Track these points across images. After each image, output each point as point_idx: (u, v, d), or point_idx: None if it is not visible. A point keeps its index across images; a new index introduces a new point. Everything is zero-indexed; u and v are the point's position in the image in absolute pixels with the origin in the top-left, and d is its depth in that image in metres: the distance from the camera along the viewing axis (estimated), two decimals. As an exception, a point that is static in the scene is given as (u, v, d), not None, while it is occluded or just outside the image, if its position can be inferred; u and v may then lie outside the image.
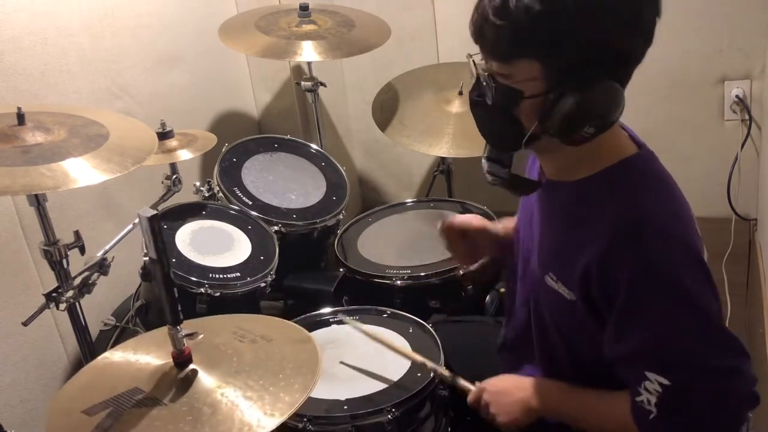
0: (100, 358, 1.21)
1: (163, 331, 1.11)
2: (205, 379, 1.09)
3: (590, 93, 1.05)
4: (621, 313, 1.11)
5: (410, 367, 1.53)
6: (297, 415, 1.40)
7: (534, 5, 1.01)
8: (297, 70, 2.64)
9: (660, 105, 2.40)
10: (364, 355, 1.57)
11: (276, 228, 2.03)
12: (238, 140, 2.21)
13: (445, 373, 1.45)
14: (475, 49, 1.14)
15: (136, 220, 1.68)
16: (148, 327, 1.84)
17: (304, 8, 2.26)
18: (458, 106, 2.29)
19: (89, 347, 1.58)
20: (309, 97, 2.38)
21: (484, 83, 1.13)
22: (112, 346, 1.36)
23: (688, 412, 1.09)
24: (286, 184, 2.20)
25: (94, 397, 1.08)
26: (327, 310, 1.77)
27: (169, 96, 2.28)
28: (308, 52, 2.13)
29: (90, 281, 1.53)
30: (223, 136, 2.10)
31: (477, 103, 1.17)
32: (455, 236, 1.54)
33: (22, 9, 1.76)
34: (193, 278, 1.76)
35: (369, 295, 1.91)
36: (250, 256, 1.92)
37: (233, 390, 1.07)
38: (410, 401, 1.44)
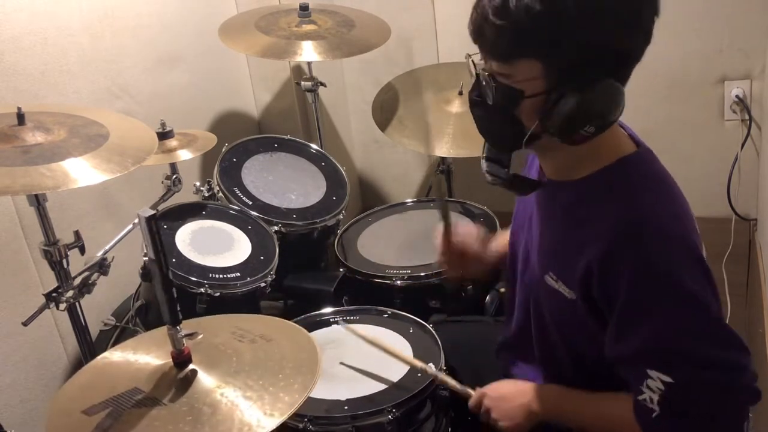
0: (99, 358, 1.21)
1: (163, 331, 1.11)
2: (205, 379, 1.09)
3: (591, 92, 1.05)
4: (622, 313, 1.11)
5: (411, 368, 1.53)
6: (297, 415, 1.40)
7: (534, 5, 1.01)
8: (297, 70, 2.63)
9: (660, 105, 2.40)
10: (365, 355, 1.57)
11: (276, 228, 2.02)
12: (238, 140, 2.21)
13: (445, 378, 1.44)
14: (475, 49, 1.14)
15: (136, 220, 1.68)
16: (148, 327, 1.84)
17: (304, 8, 2.26)
18: (458, 106, 2.29)
19: (89, 347, 1.58)
20: (309, 97, 2.38)
21: (484, 83, 1.13)
22: (112, 346, 1.36)
23: (691, 409, 1.10)
24: (286, 184, 2.20)
25: (94, 397, 1.08)
26: (327, 310, 1.77)
27: (169, 96, 2.28)
28: (308, 52, 2.13)
29: (90, 281, 1.53)
30: (223, 136, 2.10)
31: (477, 103, 1.17)
32: (452, 251, 1.53)
33: (22, 9, 1.76)
34: (193, 278, 1.76)
35: (369, 295, 1.91)
36: (250, 256, 1.92)
37: (233, 390, 1.07)
38: (411, 401, 1.44)
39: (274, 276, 1.91)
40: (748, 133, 2.34)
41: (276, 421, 1.01)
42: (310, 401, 1.42)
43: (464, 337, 1.71)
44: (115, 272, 1.59)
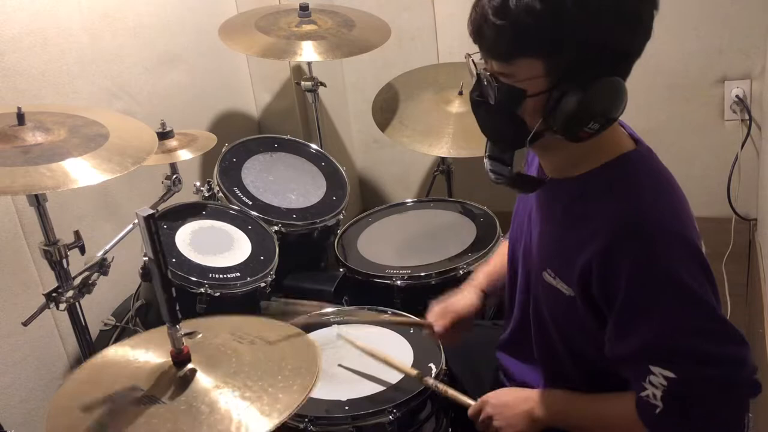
0: (98, 355, 1.21)
1: (163, 330, 1.11)
2: (204, 379, 1.09)
3: (594, 89, 1.06)
4: (622, 311, 1.11)
5: (411, 367, 1.53)
6: (298, 416, 1.40)
7: (534, 4, 1.01)
8: (297, 70, 2.63)
9: (660, 105, 2.41)
10: (365, 356, 1.57)
11: (276, 228, 2.02)
12: (238, 140, 2.21)
13: (445, 388, 1.43)
14: (474, 49, 1.14)
15: (136, 220, 1.68)
16: (148, 327, 1.84)
17: (304, 8, 2.26)
18: (458, 106, 2.29)
19: (89, 347, 1.58)
20: (309, 97, 2.38)
21: (486, 83, 1.13)
22: (112, 346, 1.36)
23: (694, 404, 1.10)
24: (286, 184, 2.20)
25: (93, 394, 1.08)
26: (327, 310, 1.77)
27: (169, 96, 2.28)
28: (308, 52, 2.13)
29: (90, 281, 1.53)
30: (223, 136, 2.10)
31: (479, 103, 1.16)
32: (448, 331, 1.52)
33: (22, 9, 1.76)
34: (193, 278, 1.76)
35: (369, 295, 1.92)
36: (250, 256, 1.92)
37: (232, 390, 1.07)
38: (411, 402, 1.44)
39: (274, 276, 1.91)
40: (748, 133, 2.34)
41: (274, 421, 1.01)
42: (311, 401, 1.42)
43: (463, 341, 1.70)
44: (115, 272, 1.59)
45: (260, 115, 2.76)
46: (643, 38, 1.08)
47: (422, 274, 1.91)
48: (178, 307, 1.08)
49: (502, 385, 1.49)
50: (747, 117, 2.32)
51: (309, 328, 1.67)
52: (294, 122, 2.68)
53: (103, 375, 1.15)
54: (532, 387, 1.40)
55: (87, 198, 1.96)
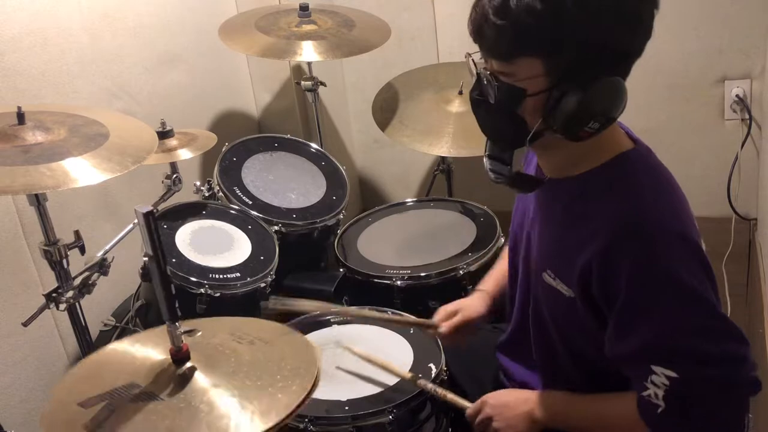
0: (97, 352, 1.21)
1: (162, 329, 1.11)
2: (203, 378, 1.09)
3: (594, 89, 1.06)
4: (622, 310, 1.11)
5: (411, 368, 1.53)
6: (298, 416, 1.39)
7: (535, 3, 1.02)
8: (297, 70, 2.63)
9: (660, 105, 2.41)
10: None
11: (276, 228, 2.02)
12: (238, 140, 2.21)
13: (443, 392, 1.43)
14: (474, 48, 1.14)
15: (136, 220, 1.68)
16: (148, 327, 1.83)
17: (304, 8, 2.26)
18: (458, 105, 2.29)
19: (89, 347, 1.58)
20: (309, 97, 2.38)
21: (486, 82, 1.13)
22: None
23: (696, 403, 1.10)
24: (286, 184, 2.20)
25: (91, 390, 1.08)
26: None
27: (169, 96, 2.28)
28: (308, 52, 2.13)
29: (90, 281, 1.53)
30: (223, 135, 2.10)
31: (479, 102, 1.16)
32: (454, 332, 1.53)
33: (22, 9, 1.76)
34: (193, 278, 1.76)
35: (369, 295, 1.91)
36: (250, 256, 1.92)
37: (231, 389, 1.07)
38: (411, 402, 1.44)
39: (274, 276, 1.90)
40: (748, 133, 2.34)
41: (273, 421, 1.01)
42: (311, 401, 1.42)
43: (467, 344, 1.70)
44: (115, 272, 1.59)
45: (260, 114, 2.76)
46: (644, 38, 1.08)
47: (422, 274, 1.91)
48: (177, 305, 1.08)
49: (503, 386, 1.49)
50: (747, 117, 2.32)
51: (308, 328, 1.68)
52: (294, 122, 2.68)
53: (102, 371, 1.15)
54: (532, 388, 1.40)
55: (87, 198, 1.96)
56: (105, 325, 1.98)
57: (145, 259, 1.76)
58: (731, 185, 2.39)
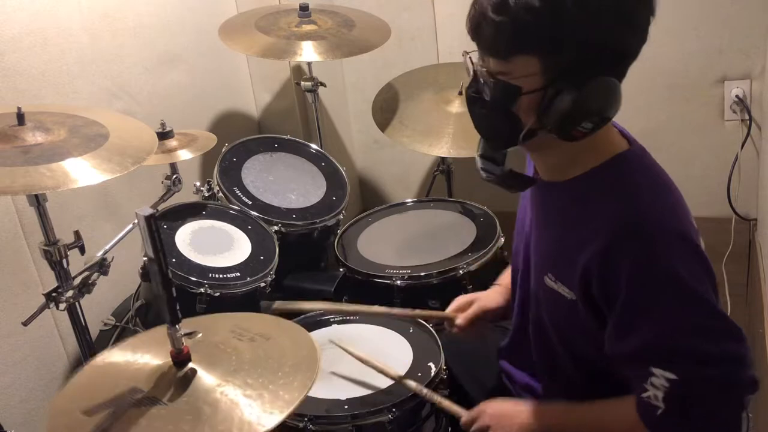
0: (98, 357, 1.21)
1: (162, 330, 1.11)
2: (205, 378, 1.09)
3: (589, 89, 1.06)
4: (622, 311, 1.11)
5: (411, 367, 1.53)
6: (298, 415, 1.40)
7: (533, 2, 1.02)
8: (297, 70, 2.64)
9: (660, 105, 2.41)
10: (364, 356, 1.56)
11: (276, 228, 2.02)
12: (238, 140, 2.21)
13: (440, 399, 1.42)
14: (474, 49, 1.14)
15: (136, 220, 1.68)
16: (148, 327, 1.84)
17: (304, 8, 2.26)
18: (458, 106, 2.29)
19: (89, 347, 1.58)
20: (309, 97, 2.38)
21: (482, 80, 1.13)
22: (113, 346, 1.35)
23: (696, 404, 1.10)
24: (286, 184, 2.20)
25: (94, 398, 1.08)
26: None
27: (169, 96, 2.28)
28: (308, 52, 2.13)
29: (90, 281, 1.53)
30: (223, 136, 2.10)
31: (474, 100, 1.17)
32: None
33: (22, 9, 1.76)
34: (193, 278, 1.76)
35: (369, 295, 1.91)
36: (249, 256, 1.92)
37: (232, 388, 1.07)
38: (411, 401, 1.44)
39: (274, 276, 1.90)
40: (748, 133, 2.34)
41: (276, 418, 1.01)
42: (311, 401, 1.43)
43: (465, 342, 1.70)
44: (115, 272, 1.59)
45: (260, 115, 2.76)
46: (640, 40, 1.09)
47: (422, 274, 1.91)
48: (178, 307, 1.09)
49: (504, 387, 1.50)
50: (747, 117, 2.32)
51: (307, 328, 1.68)
52: (294, 122, 2.68)
53: (103, 377, 1.15)
54: (535, 391, 1.40)
55: (87, 198, 1.96)
56: (105, 324, 1.98)
57: (145, 259, 1.76)
58: (731, 185, 2.39)
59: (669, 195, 1.15)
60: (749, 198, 2.40)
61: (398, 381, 1.46)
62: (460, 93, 2.30)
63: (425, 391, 1.41)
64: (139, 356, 1.18)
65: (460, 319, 1.51)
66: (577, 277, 1.15)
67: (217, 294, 1.77)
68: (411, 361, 1.55)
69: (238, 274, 1.85)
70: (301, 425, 1.40)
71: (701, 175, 2.42)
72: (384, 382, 1.49)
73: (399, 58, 2.63)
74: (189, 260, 1.82)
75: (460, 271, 1.90)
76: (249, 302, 1.84)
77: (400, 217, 2.25)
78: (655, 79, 2.35)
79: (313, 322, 1.72)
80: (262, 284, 1.86)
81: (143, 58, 2.16)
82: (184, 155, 1.86)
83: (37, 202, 1.41)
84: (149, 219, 1.01)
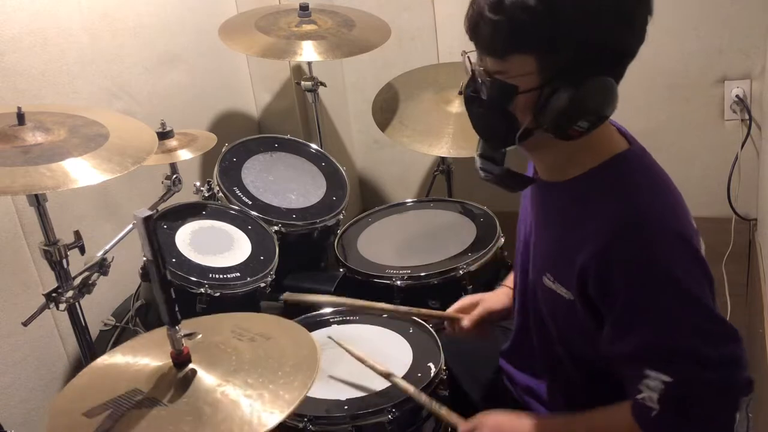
0: (99, 360, 1.21)
1: (162, 331, 1.11)
2: (205, 379, 1.09)
3: (584, 87, 1.06)
4: (618, 311, 1.11)
5: (411, 367, 1.53)
6: (297, 415, 1.40)
7: (529, 0, 1.02)
8: (297, 70, 2.64)
9: (660, 105, 2.40)
10: (364, 356, 1.56)
11: (276, 228, 2.02)
12: (238, 140, 2.21)
13: (432, 404, 1.40)
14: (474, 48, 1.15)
15: (135, 222, 1.68)
16: (148, 327, 1.84)
17: (304, 8, 2.26)
18: (458, 106, 2.29)
19: (89, 347, 1.58)
20: (309, 97, 2.38)
21: (479, 79, 1.13)
22: (112, 346, 1.36)
23: (691, 406, 1.09)
24: (286, 184, 2.20)
25: (94, 399, 1.08)
26: (327, 310, 1.77)
27: (169, 96, 2.28)
28: (308, 52, 2.13)
29: (90, 281, 1.53)
30: (223, 136, 2.10)
31: (472, 99, 1.17)
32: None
33: (22, 9, 1.76)
34: (193, 278, 1.76)
35: (369, 295, 1.91)
36: (250, 256, 1.92)
37: (233, 389, 1.07)
38: (411, 401, 1.43)
39: (273, 276, 1.91)
40: (748, 133, 2.34)
41: (277, 418, 1.01)
42: (310, 401, 1.43)
43: (465, 342, 1.70)
44: (115, 272, 1.59)
45: (260, 115, 2.76)
46: (638, 40, 1.09)
47: (422, 274, 1.91)
48: (177, 309, 1.08)
49: (505, 388, 1.50)
50: (747, 117, 2.32)
51: (307, 328, 1.68)
52: (294, 122, 2.68)
53: (103, 379, 1.15)
54: (536, 392, 1.40)
55: (87, 198, 1.96)
56: (105, 324, 1.98)
57: (145, 259, 1.76)
58: (731, 185, 2.39)
59: (669, 195, 1.15)
60: (749, 198, 2.40)
61: (396, 384, 1.44)
62: (460, 93, 2.29)
63: (424, 397, 1.40)
64: (140, 357, 1.18)
65: (466, 321, 1.52)
66: (575, 277, 1.15)
67: (217, 294, 1.77)
68: (411, 362, 1.55)
69: (238, 274, 1.85)
70: (300, 425, 1.40)
71: (701, 175, 2.42)
72: (384, 383, 1.49)
73: (399, 58, 2.63)
74: (189, 260, 1.82)
75: (460, 272, 1.90)
76: (249, 302, 1.84)
77: (400, 217, 2.25)
78: (655, 79, 2.35)
79: (313, 322, 1.72)
80: (262, 284, 1.86)
81: (143, 58, 2.16)
82: (184, 155, 1.86)
83: (37, 202, 1.41)
84: (147, 221, 1.01)
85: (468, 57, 1.17)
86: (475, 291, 1.92)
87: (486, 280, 1.97)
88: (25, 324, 1.46)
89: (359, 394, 1.47)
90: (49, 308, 1.48)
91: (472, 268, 1.91)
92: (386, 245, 2.09)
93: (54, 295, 1.47)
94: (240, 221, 2.00)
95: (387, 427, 1.41)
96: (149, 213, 1.01)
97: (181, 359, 1.10)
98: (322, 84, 2.35)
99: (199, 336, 1.17)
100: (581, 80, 1.05)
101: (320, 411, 1.42)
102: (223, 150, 2.14)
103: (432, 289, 1.90)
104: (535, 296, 1.30)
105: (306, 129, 2.69)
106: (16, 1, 1.74)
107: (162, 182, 1.91)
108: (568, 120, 1.08)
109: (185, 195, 2.00)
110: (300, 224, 2.09)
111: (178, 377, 1.09)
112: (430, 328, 1.63)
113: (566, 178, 1.19)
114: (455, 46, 2.61)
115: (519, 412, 1.32)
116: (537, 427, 1.27)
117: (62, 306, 1.49)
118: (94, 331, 1.90)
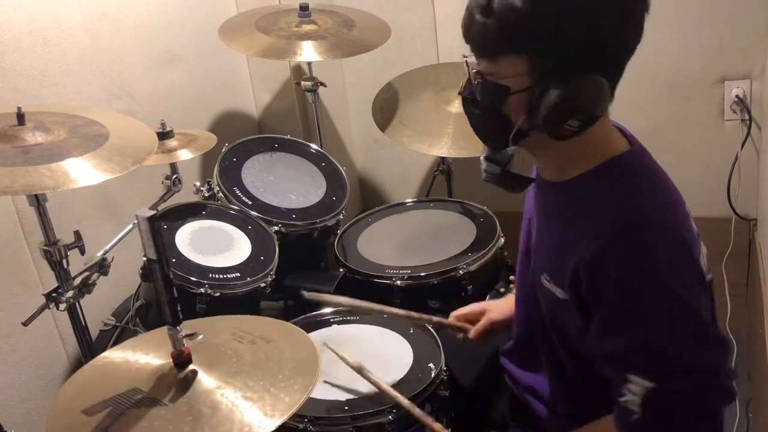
0: (99, 357, 1.21)
1: (163, 331, 1.11)
2: (205, 380, 1.09)
3: (574, 86, 1.06)
4: (607, 312, 1.11)
5: (411, 368, 1.53)
6: (298, 416, 1.40)
7: (516, 2, 1.02)
8: (297, 70, 2.63)
9: (660, 105, 2.40)
10: (365, 356, 1.56)
11: (276, 228, 2.02)
12: (238, 140, 2.21)
13: (427, 419, 1.39)
14: (474, 50, 1.15)
15: (136, 221, 1.68)
16: (148, 327, 1.84)
17: (304, 8, 2.26)
18: (458, 106, 2.28)
19: (89, 347, 1.58)
20: (309, 97, 2.38)
21: (475, 81, 1.14)
22: (113, 346, 1.35)
23: (673, 413, 1.10)
24: (286, 184, 2.20)
25: (94, 397, 1.08)
26: (327, 310, 1.77)
27: (169, 96, 2.28)
28: (308, 52, 2.13)
29: (90, 281, 1.53)
30: (223, 136, 2.10)
31: (468, 101, 1.19)
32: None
33: (22, 9, 1.76)
34: (193, 278, 1.76)
35: (369, 296, 1.90)
36: (249, 256, 1.92)
37: (233, 390, 1.07)
38: (411, 402, 1.43)
39: (274, 276, 1.90)
40: (748, 133, 2.34)
41: (276, 421, 1.01)
42: (311, 402, 1.42)
43: (465, 341, 1.70)
44: (115, 272, 1.59)
45: (260, 115, 2.76)
46: (633, 37, 1.08)
47: (422, 274, 1.91)
48: (179, 308, 1.09)
49: (506, 390, 1.50)
50: (747, 117, 2.32)
51: (307, 328, 1.68)
52: (294, 122, 2.68)
53: (103, 378, 1.15)
54: (538, 392, 1.40)
55: (87, 198, 1.96)
56: (105, 325, 1.98)
57: (145, 259, 1.76)
58: (731, 185, 2.39)
59: (668, 197, 1.15)
60: (749, 198, 2.40)
61: (391, 397, 1.42)
62: (460, 93, 2.29)
63: (417, 411, 1.39)
64: (140, 357, 1.18)
65: (472, 333, 1.54)
66: (568, 278, 1.15)
67: (217, 294, 1.77)
68: (411, 362, 1.55)
69: (238, 274, 1.85)
70: (301, 426, 1.40)
71: (701, 175, 2.42)
72: (384, 383, 1.49)
73: (399, 58, 2.63)
74: (189, 260, 1.82)
75: (460, 272, 1.90)
76: (249, 302, 1.84)
77: (400, 217, 2.25)
78: (655, 78, 2.35)
79: (313, 323, 1.72)
80: (262, 284, 1.86)
81: (143, 58, 2.16)
82: (184, 155, 1.86)
83: (37, 202, 1.41)
84: (150, 221, 1.01)
85: (466, 60, 1.17)
86: (475, 291, 1.92)
87: (486, 280, 1.97)
88: (25, 324, 1.46)
89: (359, 394, 1.47)
90: (49, 308, 1.48)
91: (472, 268, 1.91)
92: (386, 245, 2.09)
93: (54, 295, 1.47)
94: (240, 221, 2.00)
95: (387, 427, 1.41)
96: (152, 213, 1.01)
97: (182, 359, 1.11)
98: (322, 84, 2.35)
99: (200, 337, 1.17)
100: (571, 79, 1.06)
101: (320, 411, 1.42)
102: (223, 150, 2.14)
103: (432, 289, 1.90)
104: (535, 296, 1.30)
105: (306, 129, 2.69)
106: (16, 1, 1.74)
107: (162, 182, 1.91)
108: (558, 119, 1.08)
109: (185, 195, 2.00)
110: (300, 224, 2.09)
111: (178, 377, 1.09)
112: (431, 329, 1.63)
113: (566, 178, 1.19)
114: (455, 46, 2.60)
115: None
116: None
117: (62, 306, 1.49)
118: (94, 331, 1.90)
